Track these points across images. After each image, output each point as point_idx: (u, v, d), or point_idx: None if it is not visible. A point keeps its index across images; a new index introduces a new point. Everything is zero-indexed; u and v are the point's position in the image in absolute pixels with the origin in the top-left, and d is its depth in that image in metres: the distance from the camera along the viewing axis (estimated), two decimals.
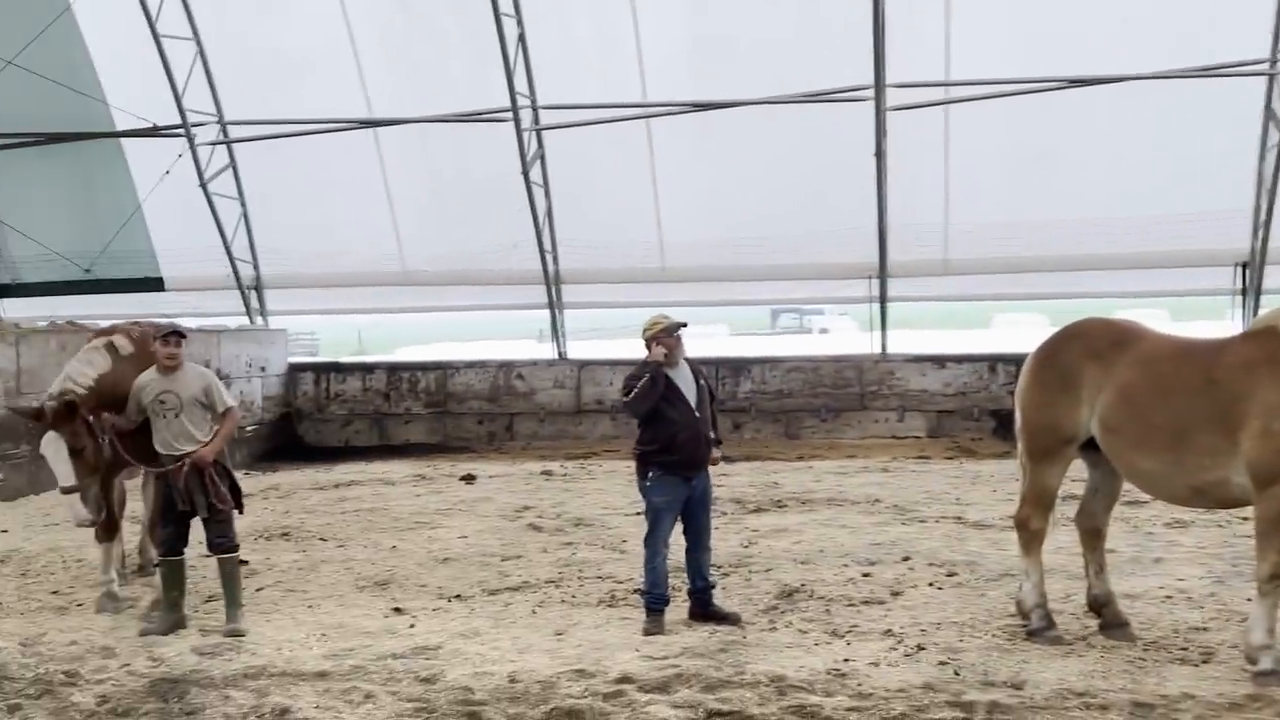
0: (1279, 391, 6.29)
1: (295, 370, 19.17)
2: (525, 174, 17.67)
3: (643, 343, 7.93)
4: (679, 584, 8.09)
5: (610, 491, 13.34)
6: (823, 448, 16.91)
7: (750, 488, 13.16)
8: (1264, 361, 6.42)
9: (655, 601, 7.72)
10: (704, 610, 7.86)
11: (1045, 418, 7.21)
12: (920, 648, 7.06)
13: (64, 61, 18.35)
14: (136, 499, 9.88)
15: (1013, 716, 5.92)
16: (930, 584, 8.69)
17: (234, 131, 18.82)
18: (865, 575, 8.99)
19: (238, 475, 8.40)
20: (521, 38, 17.27)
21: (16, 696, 6.49)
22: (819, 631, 7.51)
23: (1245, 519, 9.59)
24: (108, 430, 8.08)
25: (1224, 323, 16.80)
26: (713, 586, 8.01)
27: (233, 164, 18.97)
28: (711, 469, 8.01)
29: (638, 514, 10.97)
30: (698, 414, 7.81)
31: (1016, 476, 7.91)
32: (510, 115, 17.42)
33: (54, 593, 9.02)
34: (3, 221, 19.93)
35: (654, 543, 7.77)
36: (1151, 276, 17.49)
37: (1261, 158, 16.14)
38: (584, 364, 18.51)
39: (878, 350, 17.96)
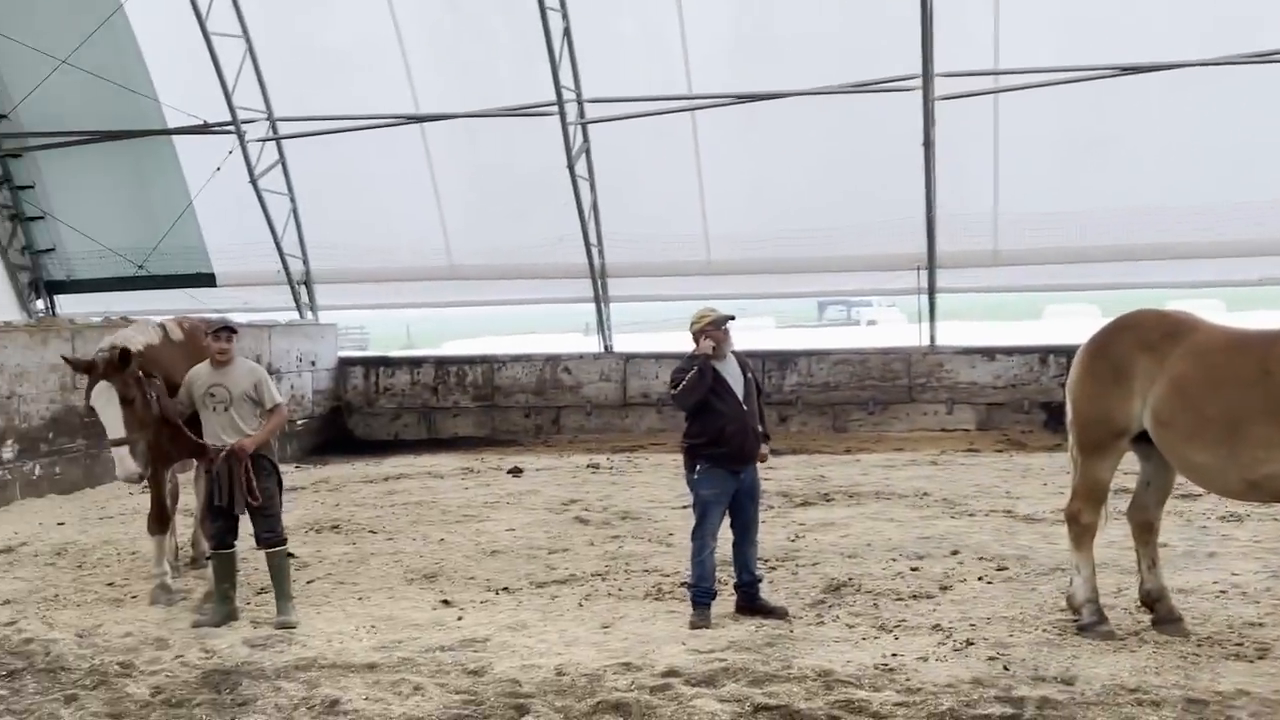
0: None
1: (345, 364, 19.34)
2: (570, 168, 17.70)
3: (690, 336, 7.91)
4: (725, 577, 8.07)
5: (656, 485, 13.35)
6: (870, 440, 16.81)
7: (797, 481, 13.11)
8: None
9: (702, 595, 7.71)
10: (751, 604, 7.84)
11: (1097, 410, 7.13)
12: (969, 642, 7.01)
13: (116, 60, 18.62)
14: (189, 493, 10.02)
15: (1063, 712, 5.86)
16: (980, 578, 8.61)
17: (283, 128, 19.00)
18: (913, 569, 8.94)
19: (288, 468, 8.48)
20: (567, 32, 17.29)
21: (73, 687, 6.60)
22: (866, 626, 7.47)
23: None
24: (158, 393, 8.17)
25: None
26: (759, 580, 7.99)
27: (282, 160, 19.15)
28: (759, 464, 7.99)
29: (684, 507, 11.00)
30: (745, 407, 7.79)
31: (1067, 470, 7.82)
32: (556, 109, 17.45)
33: (109, 585, 9.15)
34: (58, 219, 20.25)
35: (701, 536, 7.76)
36: (1206, 266, 17.21)
37: None
38: (629, 357, 18.53)
39: (926, 342, 17.83)
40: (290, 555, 8.59)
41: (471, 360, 19.28)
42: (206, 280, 19.82)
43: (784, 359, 17.99)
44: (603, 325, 19.00)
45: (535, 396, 18.57)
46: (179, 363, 8.50)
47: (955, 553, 9.43)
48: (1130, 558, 7.80)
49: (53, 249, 20.67)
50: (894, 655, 6.79)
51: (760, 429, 7.94)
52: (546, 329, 37.07)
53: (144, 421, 8.13)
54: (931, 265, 17.52)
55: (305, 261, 19.70)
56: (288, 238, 19.39)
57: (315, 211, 19.42)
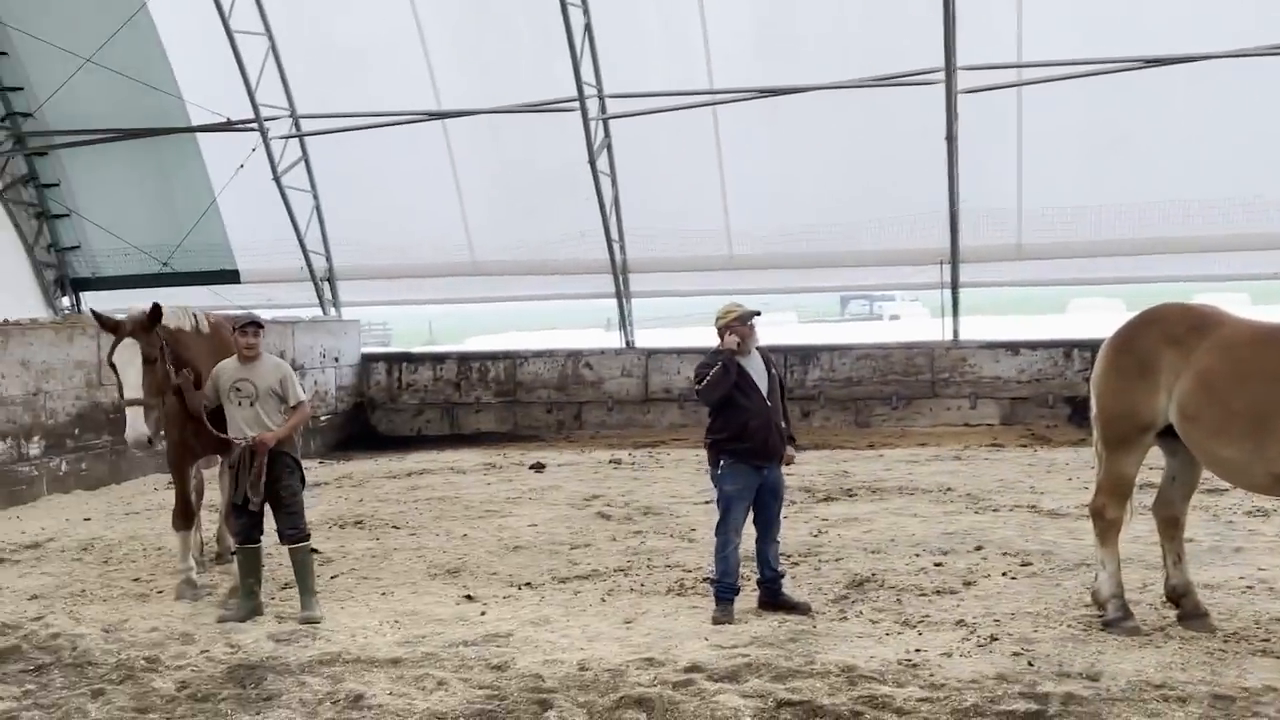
0: None
1: (368, 360, 19.41)
2: (592, 163, 17.70)
3: (715, 331, 7.90)
4: (748, 573, 8.06)
5: (678, 480, 13.35)
6: (893, 436, 16.77)
7: (820, 476, 13.09)
8: None
9: (725, 590, 7.71)
10: (773, 599, 7.83)
11: (1122, 405, 7.08)
12: (993, 638, 6.98)
13: (140, 58, 18.72)
14: (213, 488, 10.07)
15: (1088, 708, 5.83)
16: (1004, 574, 8.58)
17: (306, 125, 19.07)
18: (937, 565, 8.91)
19: (312, 464, 8.52)
20: (588, 27, 17.29)
21: (100, 681, 6.65)
22: (890, 621, 7.45)
23: None
24: (186, 384, 8.21)
25: None
26: (782, 576, 7.97)
27: (305, 157, 19.23)
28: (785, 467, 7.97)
29: (706, 502, 10.99)
30: (769, 402, 7.77)
31: (1092, 465, 7.78)
32: (577, 105, 17.46)
33: (135, 580, 9.21)
34: (83, 216, 20.39)
35: (725, 531, 7.75)
36: (1231, 260, 17.09)
37: None
38: (651, 353, 18.53)
39: (949, 337, 17.76)
40: (314, 551, 8.62)
41: (494, 356, 19.33)
42: (230, 277, 19.91)
43: (806, 354, 17.95)
44: (624, 321, 19.00)
45: (557, 392, 18.59)
46: (204, 355, 8.55)
47: (979, 548, 9.39)
48: (1155, 553, 7.75)
49: (78, 246, 20.82)
50: (917, 651, 6.76)
51: (785, 427, 7.92)
52: (568, 324, 37.13)
53: (162, 388, 8.16)
54: (954, 260, 17.45)
55: (328, 258, 19.78)
56: (311, 234, 19.47)
57: (338, 208, 19.49)
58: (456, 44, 18.51)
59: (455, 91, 18.56)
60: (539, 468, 14.65)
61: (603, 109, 17.80)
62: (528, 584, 8.75)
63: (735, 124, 17.85)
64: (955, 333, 17.75)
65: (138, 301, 8.54)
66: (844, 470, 13.66)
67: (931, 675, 6.33)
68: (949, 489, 12.24)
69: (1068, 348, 17.22)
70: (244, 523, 8.02)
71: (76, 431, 13.77)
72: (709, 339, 7.93)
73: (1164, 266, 17.36)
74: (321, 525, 10.81)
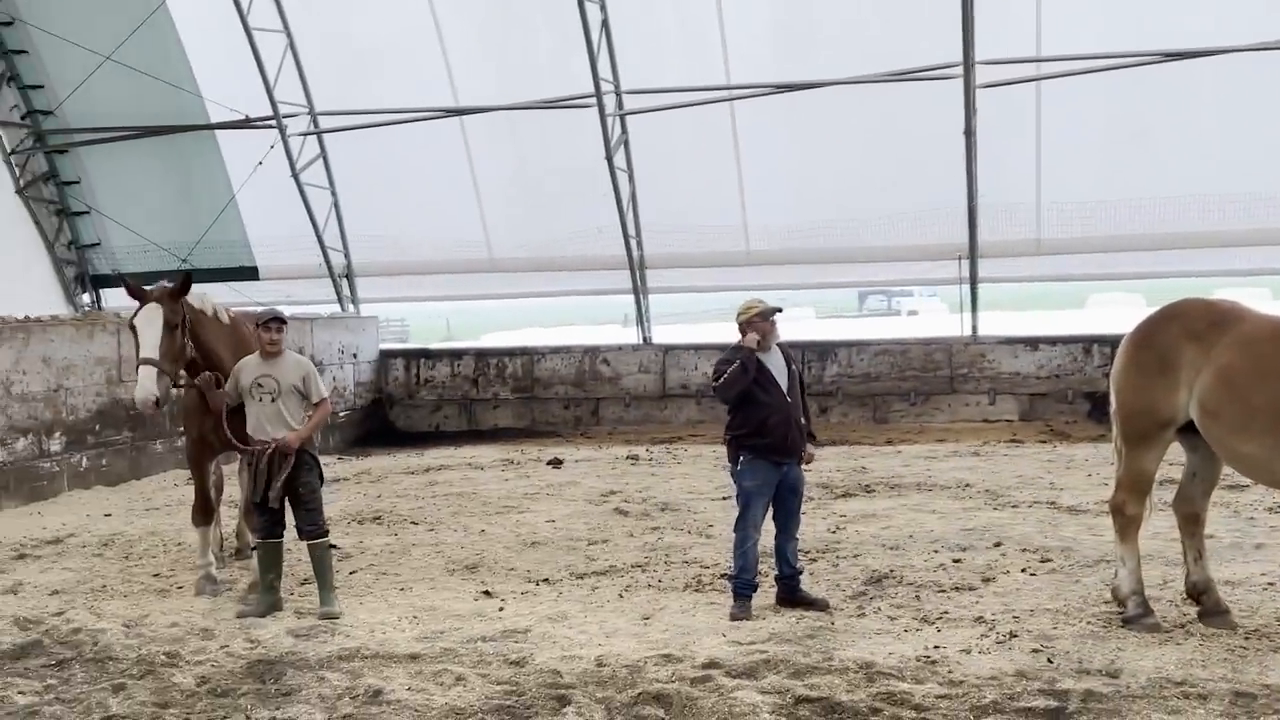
0: None
1: (386, 356, 19.46)
2: (609, 159, 17.71)
3: (736, 326, 7.88)
4: (766, 569, 8.05)
5: (696, 476, 13.34)
6: (911, 432, 16.73)
7: (838, 472, 13.07)
8: None
9: (743, 587, 7.70)
10: (791, 596, 7.82)
11: (1142, 401, 7.05)
12: (1012, 635, 6.95)
13: (159, 56, 18.80)
14: (233, 484, 10.12)
15: (1108, 705, 5.80)
16: (1023, 570, 8.55)
17: (324, 122, 19.13)
18: (956, 561, 8.88)
19: (330, 460, 8.54)
20: (605, 24, 17.29)
21: (121, 676, 6.68)
22: (908, 618, 7.44)
23: None
24: (205, 383, 8.24)
25: None
26: (800, 572, 7.96)
27: (323, 154, 19.28)
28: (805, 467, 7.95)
29: (724, 499, 11.00)
30: (789, 398, 7.75)
31: (1112, 461, 7.74)
32: (594, 101, 17.46)
33: (155, 575, 9.26)
34: (103, 213, 20.50)
35: (744, 527, 7.74)
36: (1252, 254, 17.00)
37: None
38: (668, 349, 18.52)
39: (968, 332, 17.70)
40: (333, 547, 8.65)
41: (511, 352, 19.36)
42: (249, 274, 19.99)
43: (824, 350, 17.92)
44: (641, 317, 19.01)
45: (574, 388, 18.60)
46: (223, 344, 8.58)
47: (998, 544, 9.36)
48: (1176, 549, 7.72)
49: (98, 243, 20.93)
50: (936, 647, 6.74)
51: (805, 424, 7.90)
52: (585, 321, 37.18)
53: (177, 356, 8.19)
54: (973, 255, 17.39)
55: (346, 255, 19.84)
56: (329, 231, 19.53)
57: (356, 205, 19.54)
58: (474, 41, 18.53)
59: (473, 88, 18.58)
60: (556, 464, 14.66)
61: (620, 105, 17.80)
62: (545, 580, 8.76)
63: (753, 119, 17.82)
64: (974, 328, 17.69)
65: None
66: (862, 466, 13.64)
67: (950, 672, 6.31)
68: (968, 485, 12.21)
69: (1087, 343, 17.15)
70: (264, 519, 8.04)
71: (97, 428, 13.85)
72: (727, 335, 7.91)
73: (1184, 261, 17.28)
74: (340, 521, 10.86)
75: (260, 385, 8.00)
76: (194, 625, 7.67)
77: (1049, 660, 6.47)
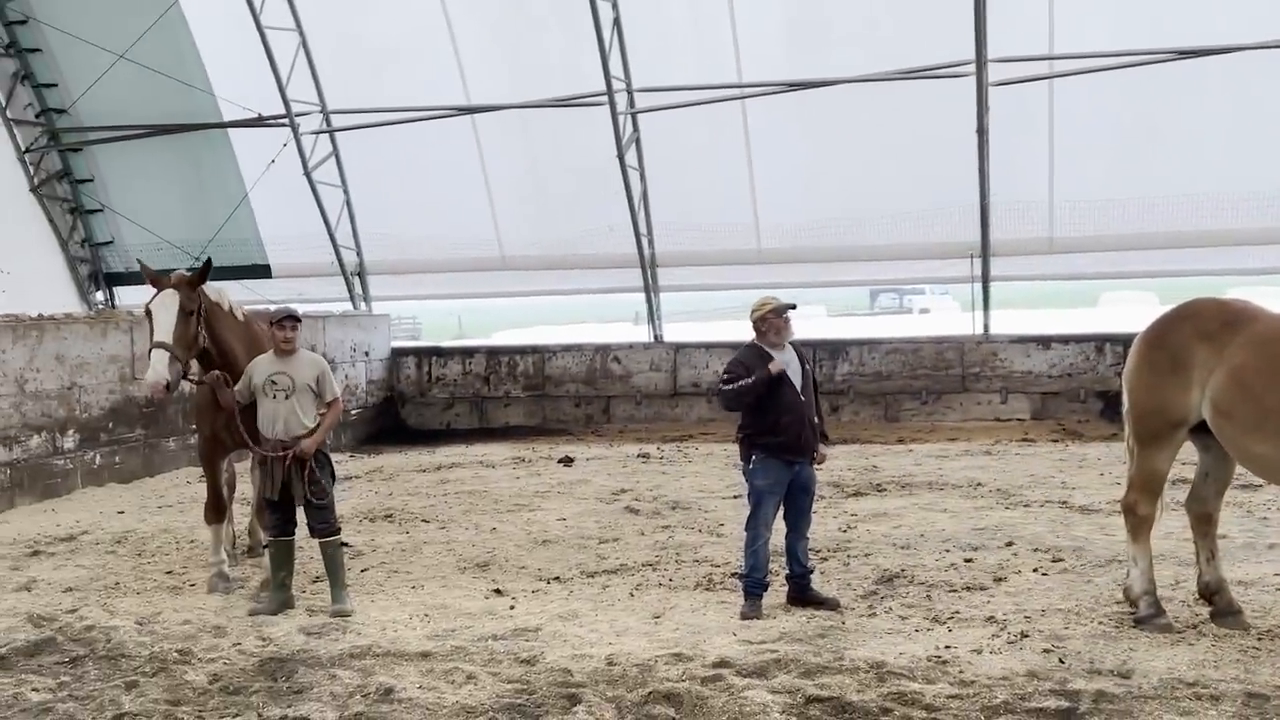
0: None
1: (398, 354, 19.50)
2: (621, 157, 17.70)
3: (750, 324, 7.85)
4: (777, 568, 8.05)
5: (707, 474, 13.34)
6: (923, 430, 16.69)
7: (849, 471, 13.05)
8: None
9: (754, 586, 7.70)
10: (802, 595, 7.82)
11: (1154, 401, 7.03)
12: (1024, 635, 6.94)
13: (172, 55, 18.86)
14: (245, 481, 10.15)
15: (1120, 706, 5.79)
16: (1035, 570, 8.53)
17: (336, 120, 19.17)
18: (967, 560, 8.87)
19: (342, 458, 8.55)
20: (617, 21, 17.29)
21: (133, 673, 6.71)
22: (919, 617, 7.43)
23: None
24: (214, 381, 8.27)
25: None
26: (811, 571, 7.96)
27: (335, 152, 19.32)
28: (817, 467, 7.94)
29: (735, 497, 11.00)
30: (803, 398, 7.73)
31: (1124, 460, 7.72)
32: (606, 99, 17.46)
33: (168, 573, 9.29)
34: (116, 211, 20.56)
35: (755, 526, 7.74)
36: (1265, 253, 16.91)
37: None
38: (679, 347, 18.51)
39: (980, 331, 17.65)
40: (345, 545, 8.67)
41: (522, 350, 19.37)
42: (262, 271, 20.03)
43: (835, 348, 17.89)
44: (653, 315, 19.00)
45: (586, 386, 18.61)
46: (236, 339, 8.60)
47: (1010, 544, 9.34)
48: (1188, 549, 7.69)
49: (111, 241, 20.99)
50: (947, 647, 6.74)
51: (818, 424, 7.88)
52: (596, 319, 37.19)
53: (191, 343, 8.22)
54: (985, 253, 17.34)
55: (359, 253, 19.87)
56: (341, 229, 19.57)
57: (368, 203, 19.57)
58: (486, 39, 18.54)
59: (484, 86, 18.59)
60: (567, 462, 14.67)
61: (631, 103, 17.79)
62: (556, 578, 8.77)
63: (764, 117, 17.80)
64: (986, 327, 17.65)
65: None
66: (873, 465, 13.62)
67: (961, 672, 6.31)
68: (979, 484, 12.18)
69: (1099, 342, 17.10)
70: (276, 517, 8.07)
71: (110, 425, 13.91)
72: (738, 333, 7.92)
73: (1197, 260, 17.22)
74: (352, 519, 10.88)
75: (274, 382, 8.01)
76: (206, 623, 7.70)
77: (1060, 660, 6.46)
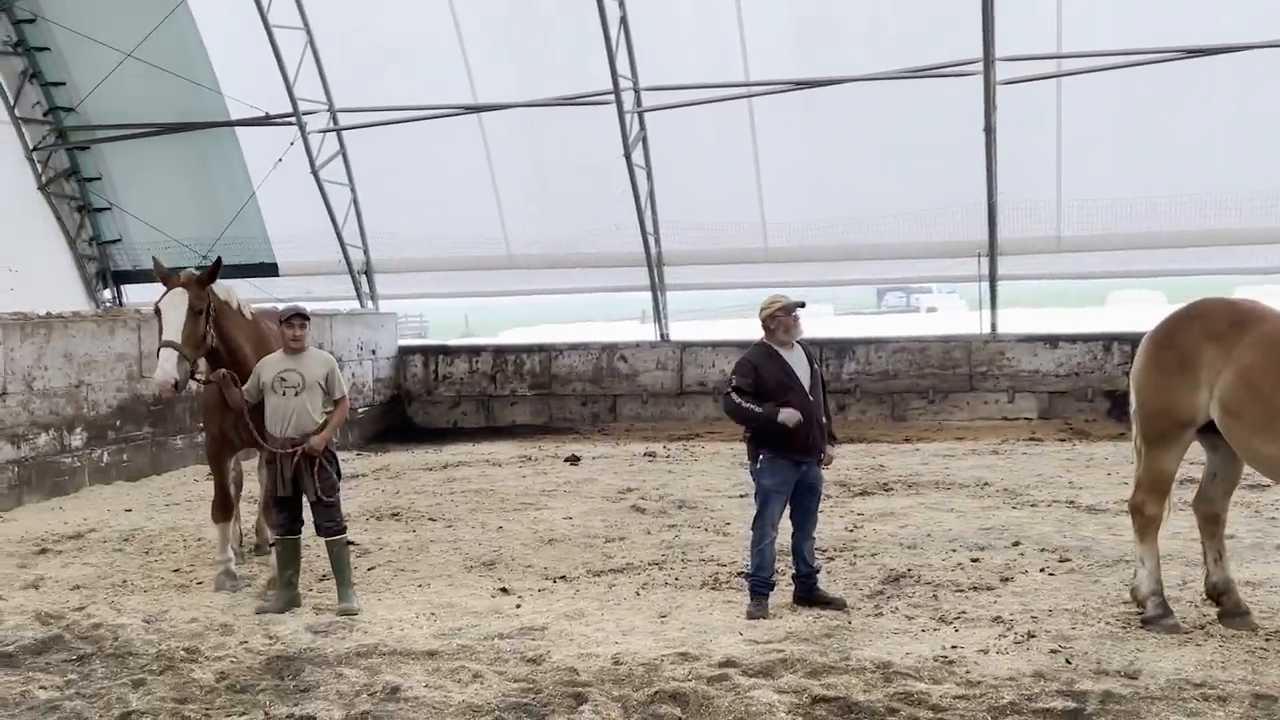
0: None
1: (405, 353, 19.51)
2: (627, 156, 17.70)
3: (759, 322, 7.84)
4: (783, 568, 8.04)
5: (713, 473, 13.34)
6: (930, 430, 16.68)
7: (855, 470, 13.04)
8: None
9: (760, 585, 7.69)
10: (809, 594, 7.81)
11: (1162, 401, 7.01)
12: (1031, 635, 6.93)
13: (180, 53, 18.87)
14: (252, 480, 10.17)
15: (1127, 707, 5.78)
16: (1041, 570, 8.52)
17: (343, 119, 19.18)
18: (974, 560, 8.86)
19: (349, 456, 8.56)
20: (624, 20, 17.28)
21: (140, 671, 6.73)
22: (926, 617, 7.42)
23: None
24: (221, 380, 8.27)
25: None
26: (818, 571, 7.95)
27: (343, 151, 19.33)
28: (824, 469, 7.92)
29: (741, 496, 10.99)
30: (811, 397, 7.72)
31: (1131, 460, 7.71)
32: (613, 98, 17.45)
33: (175, 571, 9.31)
34: (124, 210, 20.60)
35: (762, 526, 7.73)
36: (1274, 252, 16.86)
37: None
38: (686, 345, 18.51)
39: (987, 330, 17.63)
40: (351, 543, 8.67)
41: (529, 349, 19.37)
42: (269, 270, 20.05)
43: (842, 347, 17.88)
44: (659, 313, 19.00)
45: (592, 385, 18.62)
46: (245, 337, 8.61)
47: (1016, 544, 9.33)
48: (1196, 550, 7.68)
49: (119, 240, 21.02)
50: (954, 647, 6.73)
51: (826, 424, 7.87)
52: (603, 317, 37.23)
53: (200, 342, 8.24)
54: (993, 252, 17.32)
55: (366, 251, 19.89)
56: (348, 227, 19.58)
57: (375, 201, 19.59)
58: (492, 38, 18.54)
59: (491, 85, 18.59)
60: (574, 460, 14.67)
61: (638, 102, 17.78)
62: (562, 577, 8.78)
63: (771, 116, 17.77)
64: (993, 326, 17.62)
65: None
66: (880, 464, 13.60)
67: (968, 672, 6.30)
68: (986, 484, 12.17)
69: (1107, 341, 17.07)
70: (283, 515, 8.08)
71: (118, 423, 13.93)
72: (744, 331, 7.92)
73: (1205, 259, 17.18)
74: (359, 517, 10.89)
75: (284, 379, 8.02)
76: (213, 621, 7.71)
77: (1067, 661, 6.45)
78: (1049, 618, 7.30)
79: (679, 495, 11.99)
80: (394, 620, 7.66)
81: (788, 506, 7.81)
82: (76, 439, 13.37)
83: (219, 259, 8.61)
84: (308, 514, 8.18)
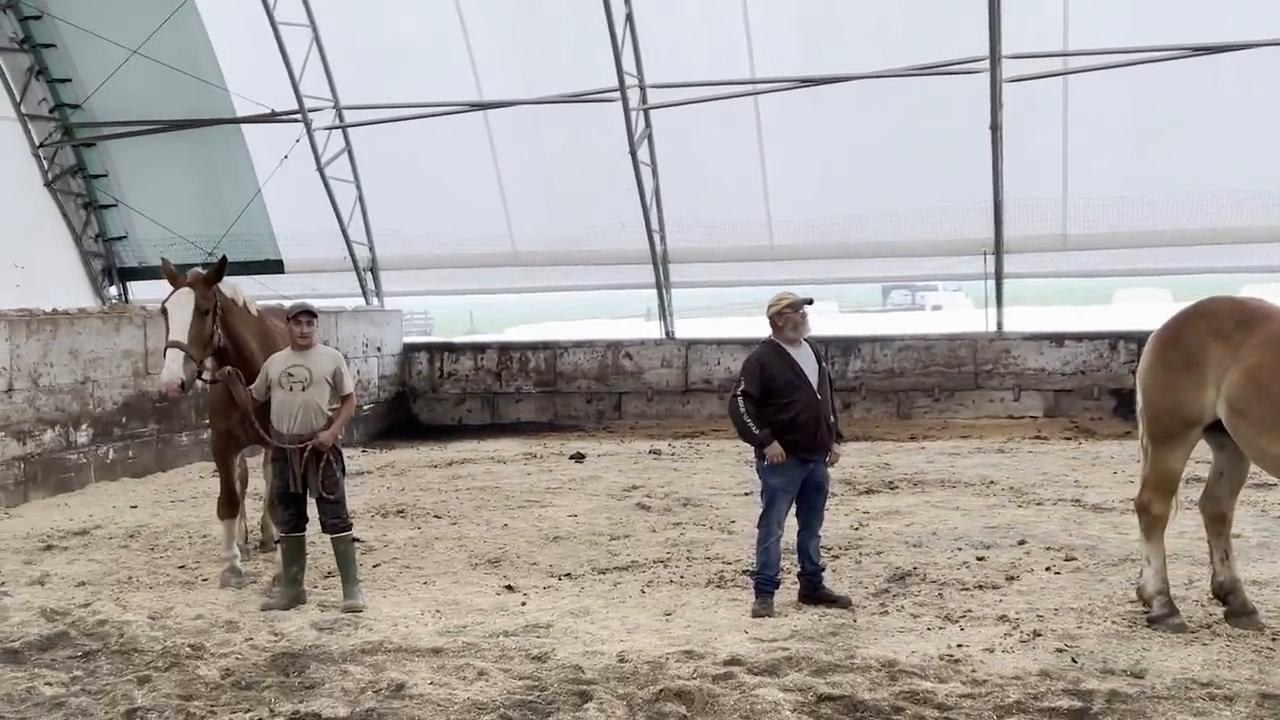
0: None
1: (410, 350, 19.53)
2: (633, 153, 17.69)
3: (767, 319, 7.82)
4: (788, 566, 8.04)
5: (718, 471, 13.33)
6: (935, 428, 16.66)
7: (861, 469, 13.03)
8: None
9: (765, 583, 7.68)
10: (814, 593, 7.80)
11: (1168, 400, 7.00)
12: (1036, 634, 6.92)
13: (186, 51, 18.90)
14: (258, 477, 10.17)
15: (1133, 706, 5.77)
16: (1047, 568, 8.50)
17: (349, 116, 19.18)
18: (979, 559, 8.84)
19: (354, 453, 8.56)
20: (629, 17, 17.26)
21: (146, 668, 6.73)
22: (931, 616, 7.41)
23: None
24: (227, 377, 8.28)
25: None
26: (823, 569, 7.94)
27: (348, 148, 19.34)
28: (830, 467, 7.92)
29: (746, 494, 11.00)
30: (819, 395, 7.71)
31: (1138, 459, 7.69)
32: (618, 95, 17.44)
33: (180, 567, 9.32)
34: (130, 206, 20.62)
35: (768, 524, 7.72)
36: (1277, 251, 16.84)
37: None
38: (691, 343, 18.50)
39: (993, 328, 17.61)
40: (356, 540, 8.68)
41: (534, 346, 19.38)
42: (275, 267, 20.07)
43: (848, 345, 17.87)
44: (664, 311, 18.99)
45: (597, 382, 18.62)
46: (251, 334, 8.61)
47: (1022, 542, 9.32)
48: (1202, 549, 7.66)
49: (125, 236, 21.05)
50: (959, 646, 6.72)
51: (833, 422, 7.86)
52: (608, 314, 37.23)
53: (206, 341, 8.24)
54: (999, 250, 17.29)
55: (371, 248, 19.90)
56: (354, 225, 19.59)
57: (380, 198, 19.60)
58: (498, 35, 18.54)
59: (497, 82, 18.59)
60: (579, 458, 14.68)
61: (644, 99, 17.77)
62: (567, 575, 8.78)
63: (777, 113, 17.77)
64: (999, 324, 17.60)
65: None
66: (885, 463, 13.59)
67: (974, 671, 6.29)
68: (992, 482, 12.15)
69: (1113, 339, 17.04)
70: (289, 513, 8.09)
71: (123, 420, 13.95)
72: (749, 329, 7.91)
73: (1212, 258, 17.15)
74: (364, 514, 10.90)
75: (291, 375, 8.02)
76: (219, 618, 7.72)
77: (1073, 660, 6.44)
78: (1055, 616, 7.28)
79: (684, 493, 11.98)
80: (399, 617, 7.66)
81: (794, 504, 7.80)
82: (82, 435, 13.39)
83: (224, 257, 8.62)
84: (313, 511, 8.18)
